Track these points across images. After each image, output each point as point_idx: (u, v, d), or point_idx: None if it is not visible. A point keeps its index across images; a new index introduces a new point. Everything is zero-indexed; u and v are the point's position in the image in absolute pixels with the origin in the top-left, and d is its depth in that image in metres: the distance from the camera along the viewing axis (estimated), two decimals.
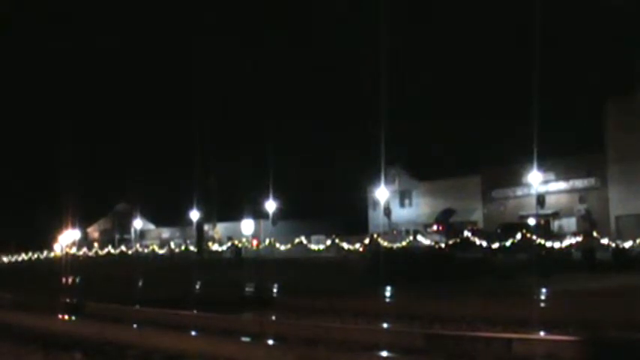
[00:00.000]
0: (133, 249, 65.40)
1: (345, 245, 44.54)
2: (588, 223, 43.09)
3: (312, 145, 76.10)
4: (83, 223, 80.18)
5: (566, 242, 36.29)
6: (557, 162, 48.81)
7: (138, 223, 76.85)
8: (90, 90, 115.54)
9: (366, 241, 43.83)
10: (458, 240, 38.82)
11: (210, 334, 12.48)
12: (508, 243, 35.97)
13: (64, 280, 37.46)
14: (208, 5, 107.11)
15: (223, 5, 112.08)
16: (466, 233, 39.69)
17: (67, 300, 21.00)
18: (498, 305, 15.74)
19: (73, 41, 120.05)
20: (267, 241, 50.60)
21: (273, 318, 16.25)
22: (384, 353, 9.73)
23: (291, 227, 58.19)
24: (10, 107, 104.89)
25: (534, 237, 35.98)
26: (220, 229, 65.34)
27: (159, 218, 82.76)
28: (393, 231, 51.20)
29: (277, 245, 48.66)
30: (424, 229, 51.05)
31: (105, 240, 79.50)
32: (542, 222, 46.16)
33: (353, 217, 62.72)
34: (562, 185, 50.10)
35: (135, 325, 13.90)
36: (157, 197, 74.24)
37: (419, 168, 60.00)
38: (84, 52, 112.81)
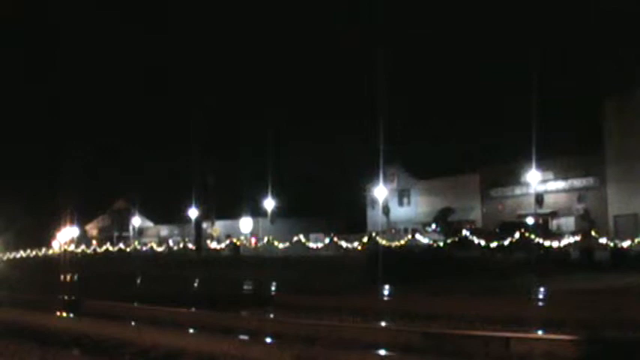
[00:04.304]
0: (132, 246, 65.35)
1: (344, 244, 44.49)
2: (587, 223, 43.09)
3: (311, 144, 76.08)
4: (82, 221, 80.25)
5: (565, 241, 36.29)
6: (555, 161, 48.81)
7: (136, 221, 76.84)
8: (90, 87, 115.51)
9: (365, 239, 43.79)
10: (456, 239, 38.79)
11: (208, 332, 12.47)
12: (507, 242, 35.97)
13: (62, 277, 37.48)
14: (209, 3, 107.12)
15: (224, 5, 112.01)
16: (465, 232, 39.67)
17: (66, 297, 20.99)
18: (497, 304, 15.75)
19: (71, 39, 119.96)
20: (265, 239, 50.55)
21: (272, 316, 16.24)
22: (383, 352, 9.72)
23: (290, 225, 58.17)
24: (9, 106, 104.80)
25: (533, 236, 35.99)
26: (219, 227, 65.30)
27: (157, 216, 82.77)
28: (391, 230, 51.19)
29: (276, 243, 48.61)
30: (423, 227, 51.04)
31: (103, 237, 79.50)
32: (540, 221, 46.17)
33: (352, 215, 62.74)
34: (560, 184, 50.12)
35: (133, 323, 13.88)
36: (156, 195, 74.29)
37: (418, 167, 59.98)
38: (82, 49, 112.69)
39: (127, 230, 79.54)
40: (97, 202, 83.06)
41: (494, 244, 36.46)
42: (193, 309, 17.32)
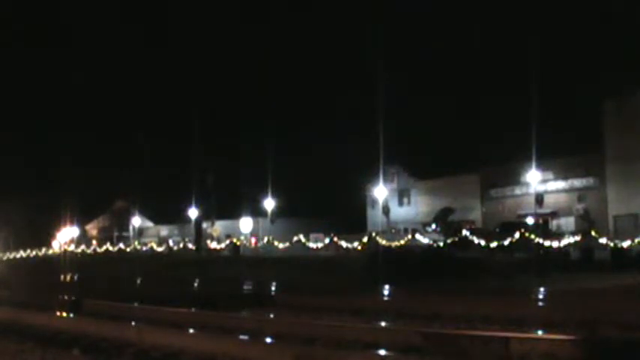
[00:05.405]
0: (132, 246, 65.31)
1: (344, 244, 44.46)
2: (587, 223, 43.10)
3: (311, 144, 76.11)
4: (82, 221, 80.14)
5: (565, 241, 36.31)
6: (555, 161, 48.85)
7: (136, 221, 76.80)
8: (89, 87, 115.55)
9: (365, 239, 43.75)
10: (456, 239, 38.77)
11: (208, 332, 12.47)
12: (507, 242, 35.97)
13: (62, 277, 37.45)
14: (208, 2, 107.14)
15: (225, 6, 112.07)
16: (465, 232, 39.65)
17: (66, 297, 20.97)
18: (496, 304, 15.75)
19: (72, 39, 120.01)
20: (265, 239, 50.53)
21: (272, 316, 16.24)
22: (383, 352, 9.72)
23: (290, 225, 58.13)
24: (9, 104, 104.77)
25: (533, 236, 35.99)
26: (219, 227, 65.28)
27: (157, 216, 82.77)
28: (391, 230, 51.16)
29: (276, 243, 48.59)
30: (423, 227, 51.03)
31: (103, 237, 79.44)
32: (540, 221, 46.17)
33: (352, 215, 62.72)
34: (560, 184, 50.15)
35: (133, 323, 13.88)
36: (156, 195, 74.27)
37: (418, 167, 60.08)
38: (82, 48, 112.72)
39: (127, 230, 79.47)
40: (97, 202, 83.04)
41: (494, 244, 36.46)
42: (193, 309, 17.31)
